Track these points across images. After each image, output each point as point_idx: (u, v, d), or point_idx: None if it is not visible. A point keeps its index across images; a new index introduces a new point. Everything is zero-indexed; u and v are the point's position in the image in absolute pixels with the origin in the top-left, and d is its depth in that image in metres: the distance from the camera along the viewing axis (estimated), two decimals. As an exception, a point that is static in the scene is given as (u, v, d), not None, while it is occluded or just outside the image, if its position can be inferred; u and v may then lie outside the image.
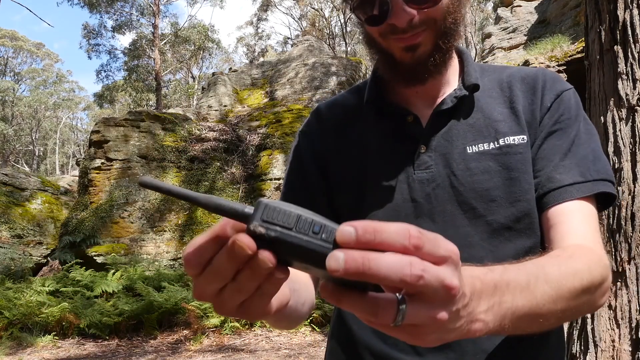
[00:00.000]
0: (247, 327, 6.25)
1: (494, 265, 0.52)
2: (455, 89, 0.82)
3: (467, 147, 0.79)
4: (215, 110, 11.41)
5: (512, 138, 0.79)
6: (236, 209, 0.40)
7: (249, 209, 0.40)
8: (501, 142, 0.79)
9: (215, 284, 0.43)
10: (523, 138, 0.79)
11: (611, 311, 1.98)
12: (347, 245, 0.36)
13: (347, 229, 0.36)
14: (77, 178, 10.75)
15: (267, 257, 0.39)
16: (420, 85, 0.79)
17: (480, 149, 0.79)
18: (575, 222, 0.72)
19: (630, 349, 1.89)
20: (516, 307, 0.49)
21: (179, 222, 8.39)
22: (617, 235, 1.98)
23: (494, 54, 12.22)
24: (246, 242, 0.39)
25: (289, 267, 0.41)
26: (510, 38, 12.81)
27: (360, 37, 0.87)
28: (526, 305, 0.51)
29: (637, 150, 1.99)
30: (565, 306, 0.57)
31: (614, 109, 2.10)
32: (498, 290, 0.48)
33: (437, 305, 0.39)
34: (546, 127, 0.79)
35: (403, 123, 0.83)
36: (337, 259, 0.35)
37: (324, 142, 0.90)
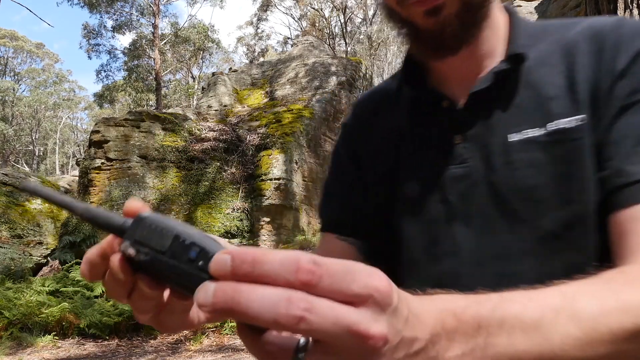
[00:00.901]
0: (247, 327, 6.25)
1: (491, 293, 0.40)
2: (499, 62, 0.67)
3: (510, 135, 0.64)
4: (215, 110, 11.41)
5: (566, 120, 0.62)
6: (111, 223, 0.36)
7: (128, 223, 0.35)
8: (551, 126, 0.62)
9: (118, 299, 0.40)
10: (581, 119, 0.61)
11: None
12: (223, 278, 0.30)
13: (222, 258, 0.30)
14: (77, 178, 10.74)
15: (144, 283, 0.36)
16: (451, 56, 0.65)
17: (525, 136, 0.63)
18: None
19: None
20: (514, 353, 0.37)
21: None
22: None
23: (494, 54, 12.25)
24: (116, 265, 0.35)
25: None
26: (510, 38, 12.82)
27: (381, 13, 0.76)
28: (533, 351, 0.38)
29: (637, 150, 2.00)
30: (605, 352, 0.41)
31: (614, 109, 2.10)
32: (483, 330, 0.37)
33: (350, 357, 0.30)
34: (618, 99, 0.60)
35: (438, 109, 0.71)
36: (206, 292, 0.29)
37: (360, 134, 0.81)
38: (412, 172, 0.72)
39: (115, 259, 0.35)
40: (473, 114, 0.67)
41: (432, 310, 0.35)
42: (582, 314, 0.41)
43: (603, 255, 0.59)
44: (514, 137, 0.64)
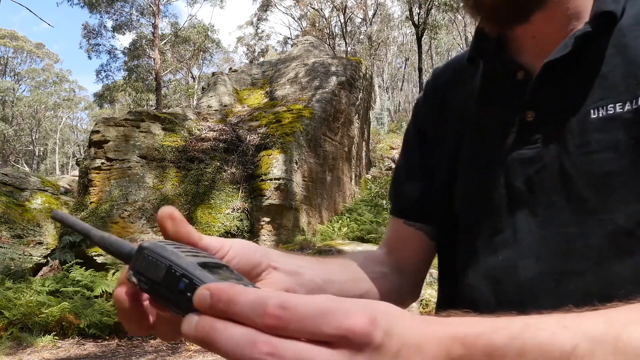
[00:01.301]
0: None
1: (517, 316, 0.36)
2: (585, 24, 0.57)
3: (592, 111, 0.54)
4: (215, 110, 11.41)
5: None
6: (120, 252, 0.39)
7: (134, 251, 0.38)
8: (630, 104, 0.52)
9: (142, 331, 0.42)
10: None
11: None
12: (204, 312, 0.31)
13: (202, 295, 0.31)
14: (77, 178, 10.74)
15: (154, 305, 0.37)
16: (519, 24, 0.58)
17: (608, 112, 0.53)
18: None
19: None
20: None
21: (179, 222, 8.39)
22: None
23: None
24: (118, 295, 0.39)
25: None
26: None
27: None
28: None
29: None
30: None
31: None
32: None
33: None
34: None
35: (512, 82, 0.62)
36: (189, 324, 0.31)
37: (428, 113, 0.76)
38: (475, 153, 0.65)
39: (119, 289, 0.40)
40: (549, 86, 0.58)
41: (437, 337, 0.33)
42: (629, 348, 0.33)
43: None
44: (595, 114, 0.54)
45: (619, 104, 0.53)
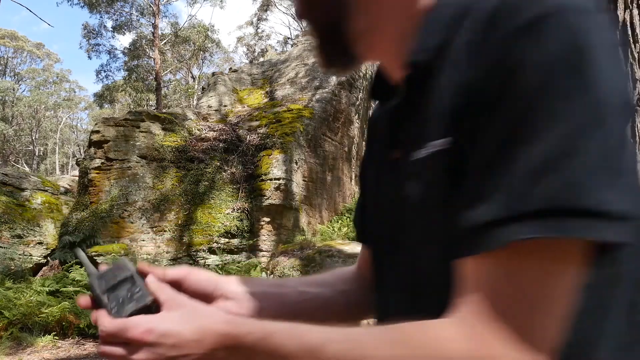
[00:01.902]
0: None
1: (278, 322, 0.51)
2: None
3: (411, 154, 0.54)
4: (215, 110, 11.41)
5: (435, 143, 0.49)
6: (88, 272, 0.62)
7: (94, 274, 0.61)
8: (427, 149, 0.50)
9: None
10: (443, 143, 0.48)
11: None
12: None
13: (92, 316, 0.57)
14: (77, 178, 10.74)
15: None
16: (341, 73, 0.65)
17: (417, 157, 0.52)
18: (471, 294, 0.44)
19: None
20: None
21: (179, 222, 8.39)
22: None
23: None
24: (82, 302, 0.61)
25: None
26: (510, 38, 12.76)
27: None
28: None
29: (637, 150, 2.00)
30: None
31: (614, 108, 2.09)
32: (253, 350, 0.50)
33: None
34: (480, 111, 0.44)
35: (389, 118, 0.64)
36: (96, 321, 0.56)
37: (368, 142, 0.80)
38: (368, 189, 0.72)
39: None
40: (398, 125, 0.58)
41: (215, 332, 0.51)
42: (316, 350, 0.48)
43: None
44: (412, 157, 0.53)
45: (418, 151, 0.52)
